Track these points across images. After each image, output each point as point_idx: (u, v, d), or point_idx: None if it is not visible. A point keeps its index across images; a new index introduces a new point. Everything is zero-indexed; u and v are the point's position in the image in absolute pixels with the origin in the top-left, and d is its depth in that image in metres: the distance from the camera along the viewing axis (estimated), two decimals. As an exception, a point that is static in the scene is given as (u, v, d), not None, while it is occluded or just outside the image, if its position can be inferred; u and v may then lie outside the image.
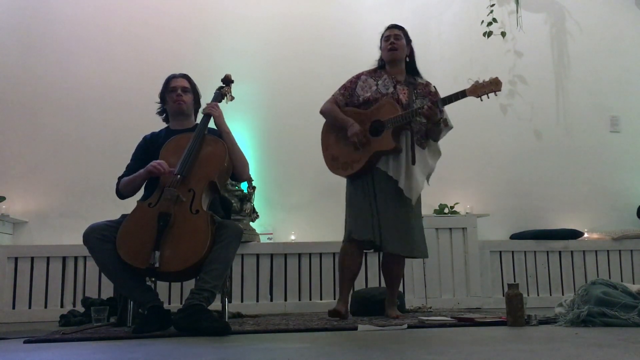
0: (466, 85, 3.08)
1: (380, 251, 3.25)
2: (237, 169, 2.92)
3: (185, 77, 3.06)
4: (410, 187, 3.11)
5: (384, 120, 3.12)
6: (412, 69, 3.33)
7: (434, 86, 3.31)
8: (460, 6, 5.10)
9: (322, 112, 3.32)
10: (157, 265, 2.46)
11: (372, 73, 3.32)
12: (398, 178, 3.11)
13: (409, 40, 3.32)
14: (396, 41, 3.25)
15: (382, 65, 3.34)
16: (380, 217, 3.11)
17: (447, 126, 3.23)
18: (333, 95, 3.32)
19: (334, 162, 3.25)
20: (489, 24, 4.91)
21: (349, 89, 3.30)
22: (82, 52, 4.60)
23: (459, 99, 3.09)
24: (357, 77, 3.33)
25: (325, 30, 4.87)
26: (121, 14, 4.69)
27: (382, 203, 3.12)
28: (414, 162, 3.13)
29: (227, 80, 3.20)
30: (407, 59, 3.31)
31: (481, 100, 3.07)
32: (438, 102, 3.09)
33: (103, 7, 4.68)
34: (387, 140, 3.10)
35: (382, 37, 3.33)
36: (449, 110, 3.25)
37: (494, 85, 3.02)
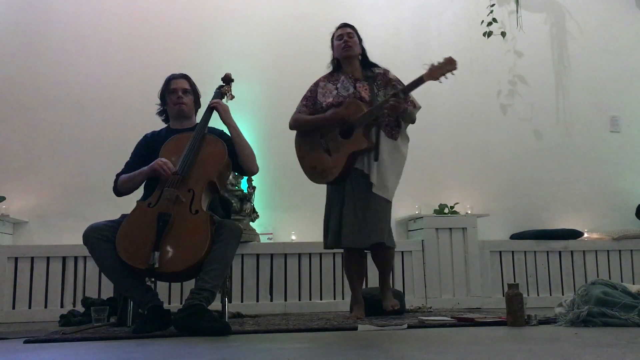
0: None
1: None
2: (245, 163, 2.92)
3: (185, 77, 3.05)
4: (382, 183, 3.10)
5: (351, 120, 3.12)
6: (367, 64, 3.33)
7: (392, 73, 3.31)
8: (460, 6, 5.10)
9: (290, 126, 3.33)
10: (156, 265, 2.46)
11: (329, 77, 3.33)
12: (370, 174, 3.11)
13: (360, 39, 3.33)
14: (349, 39, 3.27)
15: (337, 67, 3.35)
16: (344, 214, 3.10)
17: (416, 107, 3.24)
18: (296, 108, 3.34)
19: (312, 172, 3.25)
20: (489, 24, 4.91)
21: (310, 98, 3.31)
22: (82, 52, 4.59)
23: (418, 85, 3.06)
24: (316, 84, 3.34)
25: (325, 31, 4.84)
26: (120, 13, 4.69)
27: (350, 199, 3.11)
28: (376, 159, 3.11)
29: (227, 79, 3.20)
30: (360, 57, 3.32)
31: (440, 82, 3.03)
32: (399, 93, 3.05)
33: (102, 6, 4.68)
34: (360, 139, 3.10)
35: (333, 37, 3.36)
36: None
37: (449, 65, 2.97)
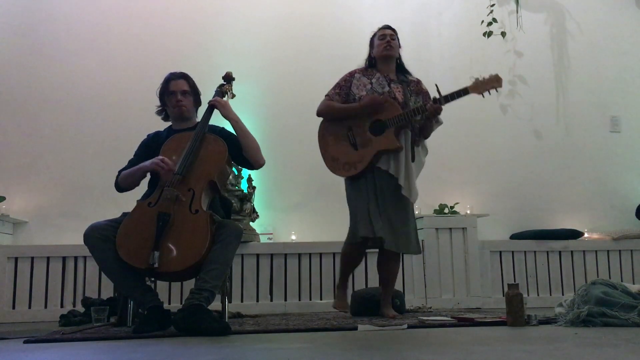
0: (467, 83, 3.10)
1: (378, 247, 3.24)
2: (251, 154, 2.90)
3: (184, 77, 3.01)
4: (409, 186, 3.14)
5: (385, 119, 3.13)
6: (401, 69, 3.37)
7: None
8: (460, 6, 5.10)
9: (319, 112, 3.29)
10: (156, 265, 2.46)
11: (364, 71, 3.32)
12: (398, 176, 3.13)
13: (399, 44, 3.37)
14: (392, 40, 3.29)
15: (372, 64, 3.35)
16: (380, 215, 3.11)
17: (438, 122, 3.26)
18: (327, 95, 3.29)
19: (334, 163, 3.23)
20: (489, 24, 4.91)
21: (344, 87, 3.28)
22: (82, 52, 4.60)
23: (461, 96, 3.11)
24: (351, 75, 3.32)
25: (325, 30, 4.87)
26: (121, 13, 4.69)
27: (382, 201, 3.13)
28: (413, 159, 3.16)
29: (228, 78, 3.20)
30: (398, 61, 3.36)
31: (483, 97, 3.11)
32: (441, 100, 3.10)
33: (103, 6, 4.68)
34: (391, 139, 3.11)
35: (374, 36, 3.36)
36: (448, 107, 3.27)
37: (495, 82, 3.07)
